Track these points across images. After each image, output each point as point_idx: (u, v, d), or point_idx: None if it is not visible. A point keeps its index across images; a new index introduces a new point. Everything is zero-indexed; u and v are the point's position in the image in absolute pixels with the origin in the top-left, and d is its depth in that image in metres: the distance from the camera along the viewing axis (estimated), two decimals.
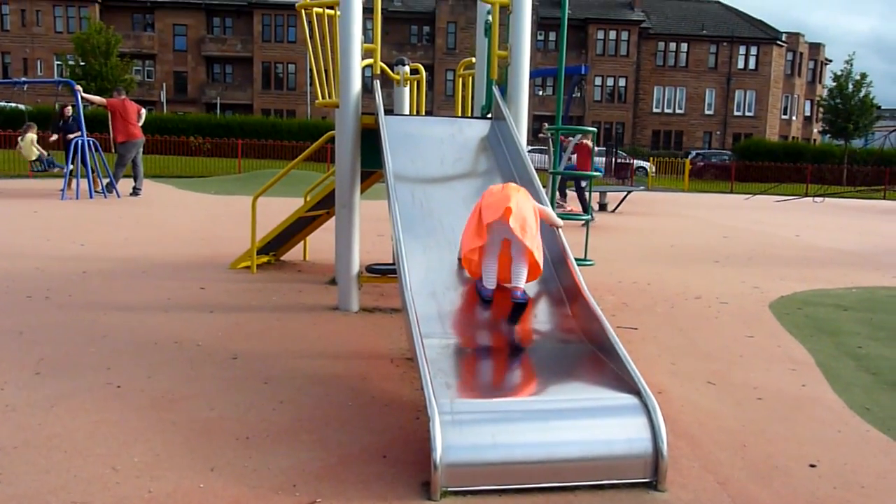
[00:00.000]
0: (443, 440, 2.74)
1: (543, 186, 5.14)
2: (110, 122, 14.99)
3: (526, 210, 3.86)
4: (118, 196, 14.85)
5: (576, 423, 2.91)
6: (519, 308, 3.82)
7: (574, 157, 14.29)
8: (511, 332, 3.82)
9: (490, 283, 3.94)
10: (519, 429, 2.85)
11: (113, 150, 15.40)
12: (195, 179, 22.86)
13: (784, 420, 3.75)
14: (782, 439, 3.50)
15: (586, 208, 13.18)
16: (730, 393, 4.14)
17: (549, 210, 4.19)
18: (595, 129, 6.49)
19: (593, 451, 2.86)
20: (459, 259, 4.21)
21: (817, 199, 24.64)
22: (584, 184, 14.54)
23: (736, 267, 8.96)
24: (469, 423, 2.84)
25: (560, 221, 4.24)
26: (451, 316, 3.92)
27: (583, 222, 6.45)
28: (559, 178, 10.84)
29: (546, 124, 8.01)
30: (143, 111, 15.38)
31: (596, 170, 18.86)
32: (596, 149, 6.33)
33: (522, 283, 3.85)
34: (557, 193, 6.61)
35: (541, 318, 3.98)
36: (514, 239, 3.85)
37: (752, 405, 3.95)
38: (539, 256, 3.89)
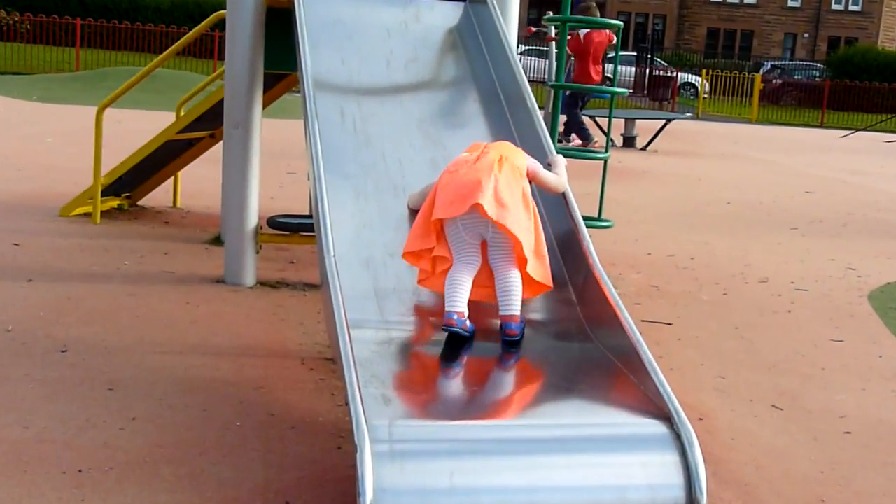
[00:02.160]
0: (376, 481, 2.76)
1: (541, 108, 5.16)
2: None
3: (510, 196, 3.73)
4: None
5: (575, 459, 2.95)
6: (513, 344, 3.72)
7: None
8: (487, 324, 3.84)
9: (456, 305, 3.67)
10: (490, 466, 2.87)
11: None
12: (7, 77, 22.43)
13: (883, 466, 3.85)
14: (879, 494, 3.60)
15: (583, 132, 13.05)
16: (804, 422, 4.24)
17: (547, 174, 4.11)
18: (621, 24, 6.50)
19: (599, 502, 2.91)
20: (413, 210, 4.20)
21: None
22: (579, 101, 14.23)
23: (823, 238, 9.14)
24: (416, 456, 2.86)
25: (563, 178, 4.18)
26: (396, 296, 3.93)
27: (600, 160, 6.46)
28: (564, 95, 10.84)
29: (550, 12, 8.04)
30: None
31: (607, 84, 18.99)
32: (620, 54, 6.36)
33: (517, 307, 3.71)
34: (561, 120, 6.62)
35: (531, 304, 4.01)
36: (492, 235, 3.75)
37: (836, 441, 4.05)
38: (543, 264, 3.80)
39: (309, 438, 3.61)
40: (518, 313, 3.68)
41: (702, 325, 5.69)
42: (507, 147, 4.01)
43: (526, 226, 3.75)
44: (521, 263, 3.76)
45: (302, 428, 3.70)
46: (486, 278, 3.81)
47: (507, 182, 3.77)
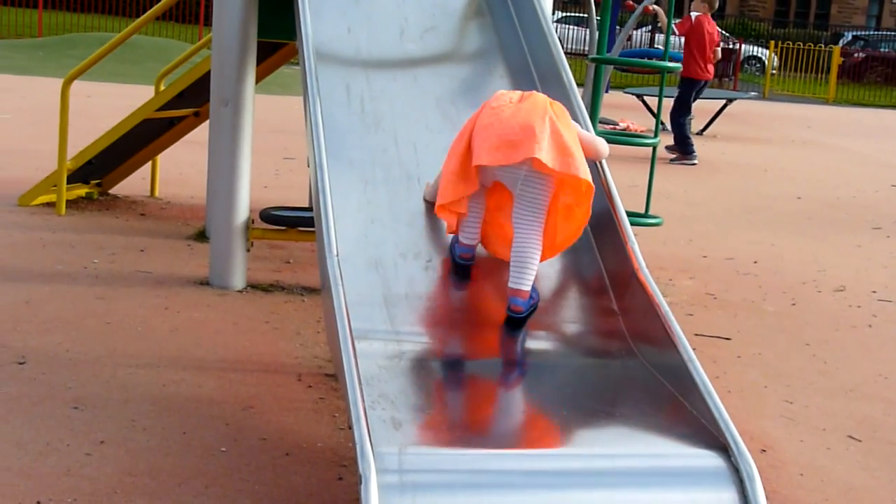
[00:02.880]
0: None
1: (580, 85, 5.17)
2: None
3: (567, 138, 3.80)
4: None
5: (616, 495, 2.96)
6: (518, 322, 3.85)
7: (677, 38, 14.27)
8: (513, 337, 3.85)
9: (469, 237, 4.03)
10: (517, 503, 2.89)
11: None
12: None
13: None
14: None
15: (686, 146, 13.23)
16: (886, 456, 4.23)
17: (589, 134, 4.21)
18: None
19: None
20: (430, 203, 4.22)
21: None
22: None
23: None
24: (430, 489, 2.87)
25: (604, 149, 4.24)
26: (408, 303, 3.95)
27: (648, 147, 6.45)
28: (608, 70, 10.83)
29: None
30: None
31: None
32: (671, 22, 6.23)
33: (528, 282, 3.79)
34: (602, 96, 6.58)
35: (565, 313, 4.01)
36: (521, 188, 3.82)
37: None
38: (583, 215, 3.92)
39: (306, 467, 3.62)
40: (528, 288, 3.79)
41: (766, 340, 5.69)
42: (543, 96, 4.02)
43: (584, 163, 3.83)
44: (569, 212, 3.88)
45: (298, 455, 3.71)
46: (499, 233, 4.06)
47: (565, 131, 3.83)
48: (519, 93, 4.00)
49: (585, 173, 3.78)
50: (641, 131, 15.59)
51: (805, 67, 35.19)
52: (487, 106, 3.94)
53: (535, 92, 4.04)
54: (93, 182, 7.92)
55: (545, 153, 3.70)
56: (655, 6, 11.23)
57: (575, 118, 4.61)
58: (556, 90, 4.85)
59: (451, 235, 4.11)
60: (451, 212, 4.00)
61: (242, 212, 5.71)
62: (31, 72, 18.50)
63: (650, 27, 35.23)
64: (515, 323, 3.82)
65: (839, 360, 5.44)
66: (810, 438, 4.33)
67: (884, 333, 6.02)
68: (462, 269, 4.05)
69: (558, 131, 3.78)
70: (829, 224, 9.67)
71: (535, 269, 3.82)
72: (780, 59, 35.42)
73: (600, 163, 4.32)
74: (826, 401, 4.80)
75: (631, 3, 11.26)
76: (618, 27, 11.95)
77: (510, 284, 3.81)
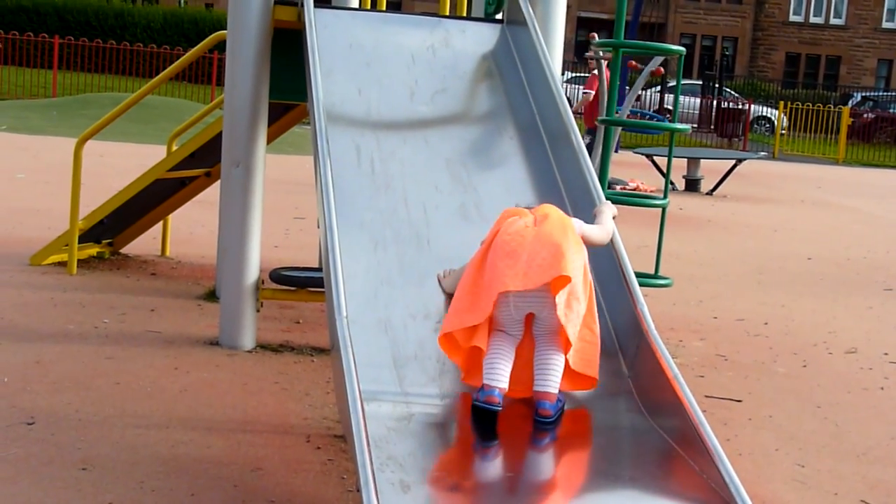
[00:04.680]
0: None
1: (588, 148, 5.18)
2: None
3: (576, 269, 3.71)
4: None
5: None
6: (546, 425, 3.67)
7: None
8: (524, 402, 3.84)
9: (499, 379, 3.66)
10: None
11: None
12: None
13: None
14: None
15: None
16: None
17: (589, 228, 4.09)
18: (683, 50, 6.54)
19: None
20: (448, 294, 4.11)
21: None
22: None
23: None
24: None
25: (607, 227, 4.18)
26: (417, 364, 3.94)
27: (657, 207, 6.46)
28: (618, 131, 10.87)
29: (596, 36, 8.10)
30: None
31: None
32: (683, 82, 6.37)
33: (554, 385, 3.67)
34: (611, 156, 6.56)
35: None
36: (546, 316, 3.72)
37: None
38: (595, 353, 3.78)
39: None
40: (555, 391, 3.65)
41: (777, 402, 5.66)
42: (556, 209, 3.95)
43: (579, 319, 3.71)
44: (566, 348, 3.72)
45: None
46: (528, 377, 3.75)
47: (577, 258, 3.74)
48: (530, 215, 3.88)
49: (574, 333, 3.67)
50: (651, 191, 15.62)
51: (814, 128, 35.32)
52: (502, 232, 3.80)
53: (545, 207, 3.95)
54: (104, 241, 7.95)
55: (562, 293, 3.63)
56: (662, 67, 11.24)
57: (583, 180, 4.64)
58: (565, 151, 4.88)
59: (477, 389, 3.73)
60: (456, 348, 3.80)
61: (253, 272, 5.72)
62: (45, 132, 18.64)
63: (659, 88, 35.48)
64: (543, 427, 3.64)
65: (851, 422, 5.41)
66: (822, 503, 4.29)
67: None
68: (484, 415, 3.64)
69: (574, 264, 3.69)
70: (840, 285, 9.66)
71: (560, 372, 3.68)
72: (790, 120, 35.57)
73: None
74: (838, 464, 4.76)
75: (634, 63, 11.32)
76: (627, 87, 11.95)
77: (536, 388, 3.66)
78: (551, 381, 3.66)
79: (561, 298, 3.62)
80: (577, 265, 3.71)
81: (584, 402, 3.88)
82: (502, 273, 3.68)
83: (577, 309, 3.68)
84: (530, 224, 3.81)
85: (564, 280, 3.62)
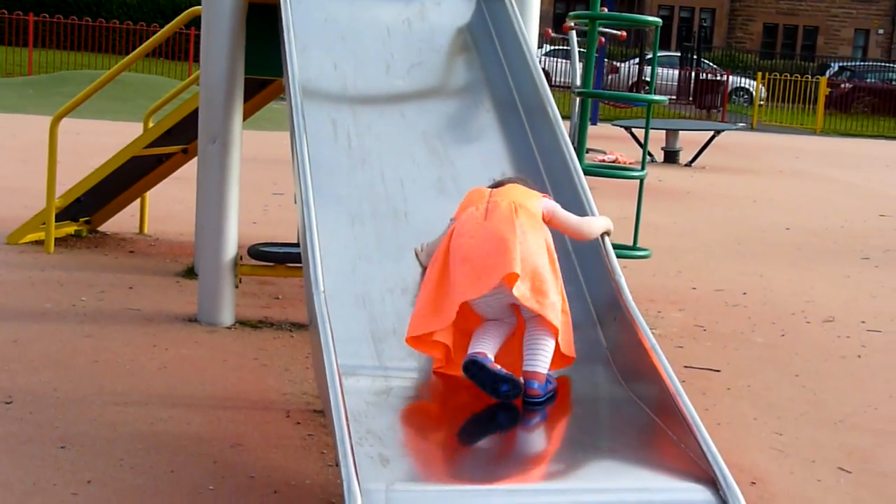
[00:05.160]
0: None
1: (565, 118, 5.18)
2: None
3: (536, 252, 3.68)
4: None
5: None
6: (535, 406, 3.62)
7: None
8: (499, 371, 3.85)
9: (479, 346, 3.65)
10: None
11: None
12: None
13: None
14: None
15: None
16: (878, 488, 4.22)
17: (574, 219, 4.02)
18: (660, 21, 6.54)
19: None
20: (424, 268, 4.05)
21: None
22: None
23: None
24: None
25: (593, 226, 4.07)
26: (396, 339, 3.94)
27: (636, 179, 6.46)
28: (593, 103, 10.89)
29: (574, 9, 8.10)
30: None
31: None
32: (660, 54, 6.36)
33: (544, 365, 3.64)
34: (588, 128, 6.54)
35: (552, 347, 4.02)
36: (524, 309, 3.69)
37: None
38: (567, 331, 3.74)
39: None
40: (544, 371, 3.62)
41: (756, 372, 5.68)
42: (515, 190, 3.88)
43: (553, 293, 3.67)
44: (552, 328, 3.68)
45: (286, 492, 3.70)
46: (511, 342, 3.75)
47: (533, 240, 3.69)
48: (485, 197, 3.81)
49: (553, 315, 3.63)
50: (629, 163, 15.63)
51: (792, 98, 35.40)
52: (457, 234, 3.75)
53: (501, 191, 3.86)
54: (82, 220, 7.92)
55: (520, 285, 3.58)
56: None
57: (560, 153, 4.64)
58: (543, 124, 4.88)
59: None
60: (428, 344, 3.77)
61: (231, 248, 5.71)
62: (21, 110, 18.54)
63: (637, 60, 35.47)
64: (532, 408, 3.59)
65: (829, 391, 5.44)
66: (800, 470, 4.31)
67: (873, 364, 6.01)
68: (478, 377, 3.58)
69: (530, 250, 3.65)
70: (818, 254, 9.69)
71: (550, 353, 3.65)
72: (768, 91, 35.63)
73: (586, 195, 4.33)
74: (816, 432, 4.79)
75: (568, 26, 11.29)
76: (605, 60, 11.94)
77: (525, 367, 3.62)
78: (539, 361, 3.63)
79: (521, 290, 3.58)
80: (533, 250, 3.66)
81: (562, 372, 3.89)
82: (460, 283, 3.65)
83: (550, 291, 3.65)
84: (481, 218, 3.73)
85: (513, 276, 3.57)
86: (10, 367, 4.82)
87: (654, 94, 6.47)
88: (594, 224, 4.09)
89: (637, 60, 36.04)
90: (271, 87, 7.09)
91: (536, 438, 3.60)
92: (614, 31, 11.84)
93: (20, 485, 3.61)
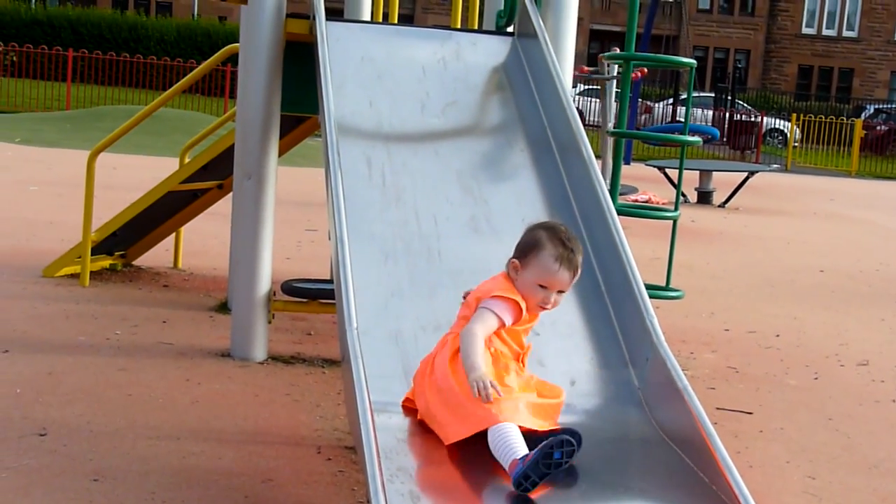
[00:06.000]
0: None
1: (597, 157, 5.19)
2: None
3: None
4: None
5: None
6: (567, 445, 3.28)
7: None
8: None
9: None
10: None
11: None
12: None
13: None
14: None
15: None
16: None
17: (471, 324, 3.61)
18: (695, 62, 6.56)
19: None
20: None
21: None
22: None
23: None
24: None
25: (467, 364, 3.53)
26: None
27: (668, 220, 6.46)
28: (626, 143, 10.89)
29: (617, 48, 8.11)
30: None
31: (698, 132, 18.99)
32: (694, 94, 6.38)
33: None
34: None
35: (584, 386, 4.01)
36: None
37: None
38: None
39: None
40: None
41: (788, 415, 5.65)
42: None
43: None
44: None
45: None
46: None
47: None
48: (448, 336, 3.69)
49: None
50: (663, 203, 15.62)
51: (827, 140, 35.29)
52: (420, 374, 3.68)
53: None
54: (117, 253, 7.97)
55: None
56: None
57: (593, 192, 4.65)
58: (576, 163, 4.89)
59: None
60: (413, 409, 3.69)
61: (264, 284, 5.73)
62: (59, 144, 18.71)
63: (671, 101, 35.49)
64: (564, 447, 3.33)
65: (863, 435, 5.40)
66: None
67: None
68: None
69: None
70: (853, 297, 9.63)
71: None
72: (803, 132, 35.54)
73: (619, 235, 4.34)
74: (849, 477, 4.75)
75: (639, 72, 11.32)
76: (640, 100, 11.97)
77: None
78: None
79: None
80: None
81: (594, 413, 3.89)
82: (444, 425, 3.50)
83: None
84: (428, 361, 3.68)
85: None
86: (44, 400, 4.85)
87: (688, 135, 6.48)
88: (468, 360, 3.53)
89: (671, 101, 36.08)
90: (306, 123, 7.14)
91: (566, 478, 3.59)
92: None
93: None
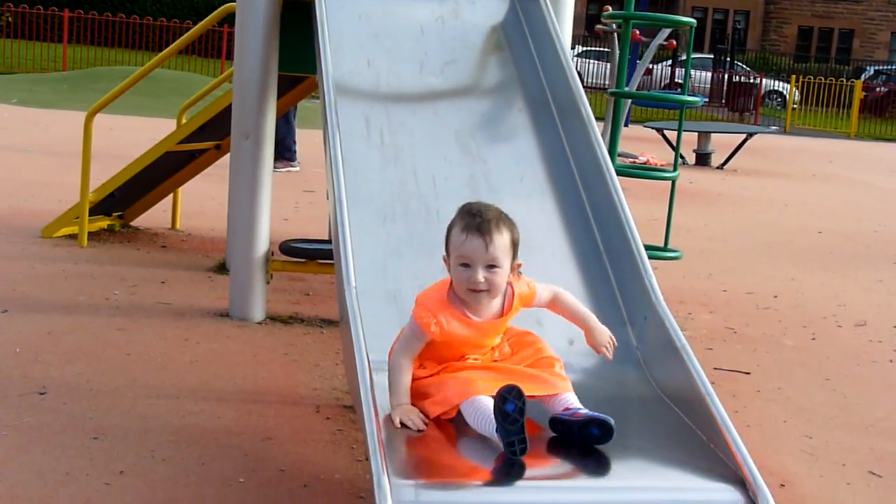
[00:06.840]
0: None
1: (599, 119, 5.18)
2: None
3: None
4: None
5: None
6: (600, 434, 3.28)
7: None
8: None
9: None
10: None
11: None
12: None
13: None
14: None
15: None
16: None
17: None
18: (694, 22, 6.53)
19: None
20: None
21: None
22: None
23: None
24: None
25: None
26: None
27: (667, 180, 6.45)
28: (627, 104, 10.85)
29: (609, 7, 8.06)
30: None
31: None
32: (693, 56, 6.35)
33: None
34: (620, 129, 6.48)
35: (583, 346, 4.02)
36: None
37: None
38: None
39: (324, 499, 3.63)
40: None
41: (786, 375, 5.67)
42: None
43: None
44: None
45: (316, 486, 3.72)
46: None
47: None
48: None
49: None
50: (661, 165, 15.60)
51: (826, 102, 35.19)
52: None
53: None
54: (115, 214, 7.97)
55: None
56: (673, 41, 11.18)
57: (592, 153, 4.64)
58: (575, 124, 4.88)
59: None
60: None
61: (262, 244, 5.74)
62: (55, 105, 18.66)
63: (670, 62, 35.37)
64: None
65: (860, 395, 5.42)
66: (830, 474, 4.31)
67: None
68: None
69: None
70: (850, 258, 9.65)
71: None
72: (802, 94, 35.44)
73: (618, 196, 4.33)
74: (846, 436, 4.78)
75: (637, 34, 11.24)
76: (637, 60, 11.91)
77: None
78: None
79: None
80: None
81: (592, 372, 3.90)
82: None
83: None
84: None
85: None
86: (43, 359, 4.87)
87: (688, 95, 6.46)
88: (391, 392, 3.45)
89: (670, 62, 35.97)
90: (304, 84, 7.12)
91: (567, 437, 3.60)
92: (662, 42, 11.82)
93: (53, 474, 3.65)
